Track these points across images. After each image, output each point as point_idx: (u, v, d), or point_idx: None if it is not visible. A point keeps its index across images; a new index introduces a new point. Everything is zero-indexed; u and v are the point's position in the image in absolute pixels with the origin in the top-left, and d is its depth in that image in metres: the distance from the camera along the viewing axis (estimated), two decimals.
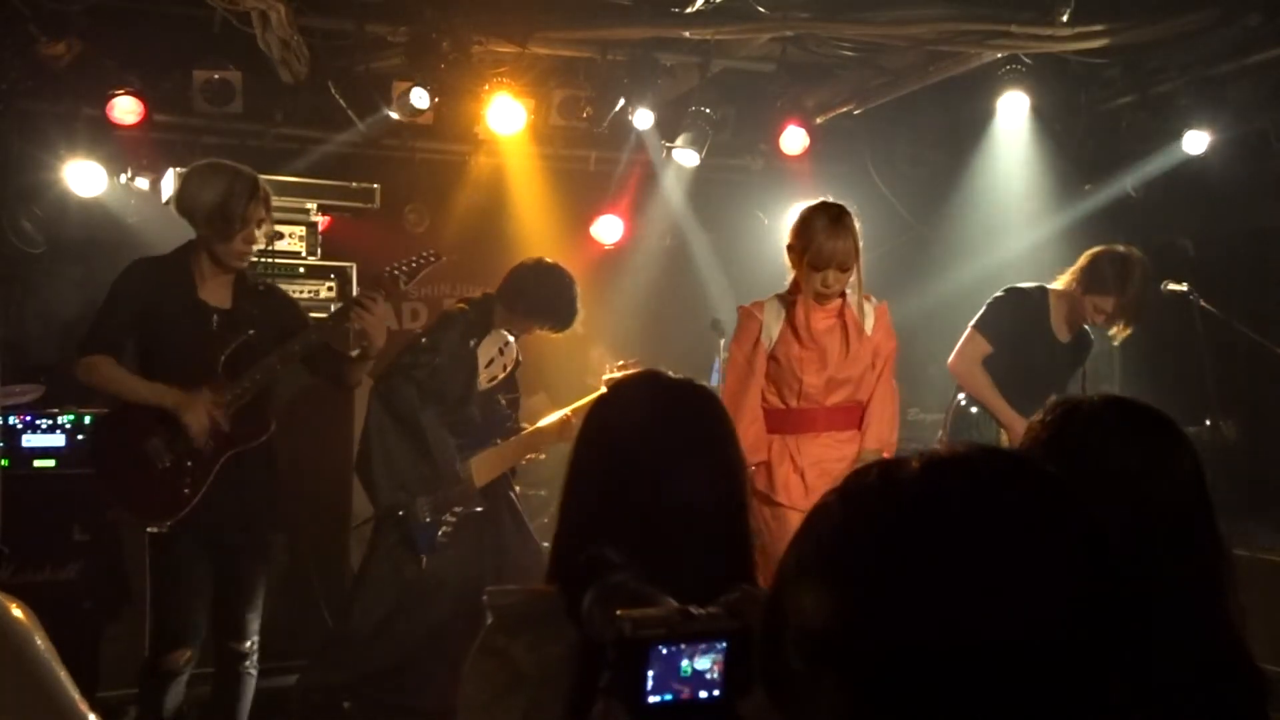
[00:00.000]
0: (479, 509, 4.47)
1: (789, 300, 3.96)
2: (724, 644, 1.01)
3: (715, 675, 1.00)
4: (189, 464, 3.63)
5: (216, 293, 3.78)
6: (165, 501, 3.60)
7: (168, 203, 5.35)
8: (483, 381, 4.47)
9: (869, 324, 4.00)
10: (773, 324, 3.94)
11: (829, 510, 0.95)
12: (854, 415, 3.99)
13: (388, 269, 3.95)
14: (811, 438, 3.92)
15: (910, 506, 0.90)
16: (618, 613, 1.02)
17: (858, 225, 3.90)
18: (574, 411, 4.42)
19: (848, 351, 3.91)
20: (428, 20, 4.95)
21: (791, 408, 3.95)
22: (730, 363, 4.11)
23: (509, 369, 4.55)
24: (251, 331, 3.76)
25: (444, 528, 4.39)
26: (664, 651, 0.99)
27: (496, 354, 4.46)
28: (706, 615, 1.04)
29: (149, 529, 3.62)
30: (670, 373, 1.84)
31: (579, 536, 1.62)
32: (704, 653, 1.01)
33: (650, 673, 0.99)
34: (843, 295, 3.93)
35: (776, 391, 3.96)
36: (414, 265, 3.99)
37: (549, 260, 4.59)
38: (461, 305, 4.65)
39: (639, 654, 0.99)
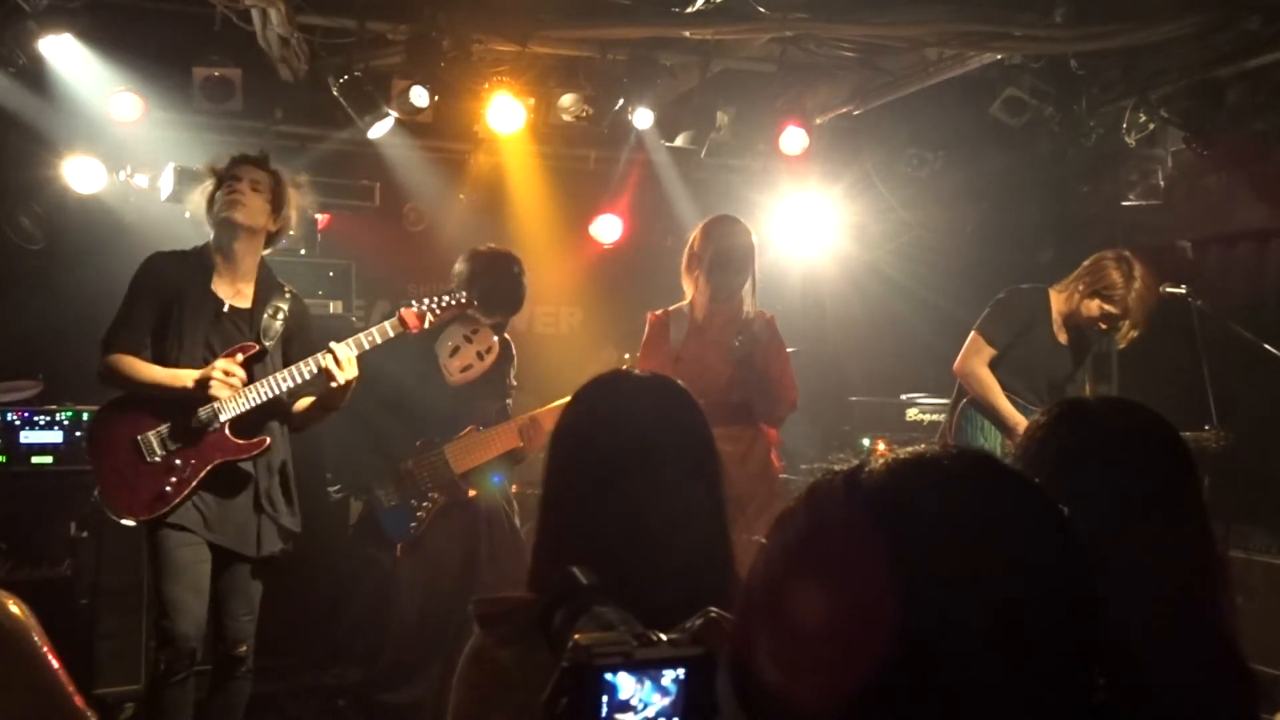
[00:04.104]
0: (465, 498, 4.41)
1: (692, 306, 4.35)
2: (683, 670, 1.00)
3: (674, 702, 1.00)
4: (178, 463, 3.61)
5: (235, 290, 3.77)
6: (144, 496, 3.58)
7: (167, 199, 5.36)
8: (454, 372, 4.42)
9: (760, 332, 4.31)
10: (678, 327, 4.31)
11: (795, 517, 0.94)
12: (749, 412, 4.30)
13: (417, 305, 3.93)
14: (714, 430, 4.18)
15: (876, 507, 0.90)
16: (574, 637, 1.01)
17: (755, 238, 4.31)
18: (543, 413, 4.36)
19: (741, 353, 4.19)
20: (428, 19, 4.95)
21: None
22: (642, 365, 4.35)
23: (486, 358, 4.48)
24: (268, 343, 3.76)
25: (419, 513, 4.33)
26: (619, 678, 0.98)
27: (462, 342, 4.42)
28: (666, 642, 1.02)
29: (122, 521, 3.60)
30: (638, 371, 1.81)
31: (559, 549, 1.61)
32: (662, 679, 1.00)
33: (605, 699, 0.98)
34: (740, 302, 4.32)
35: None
36: (444, 305, 4.00)
37: (493, 247, 4.56)
38: None
39: (592, 680, 0.98)
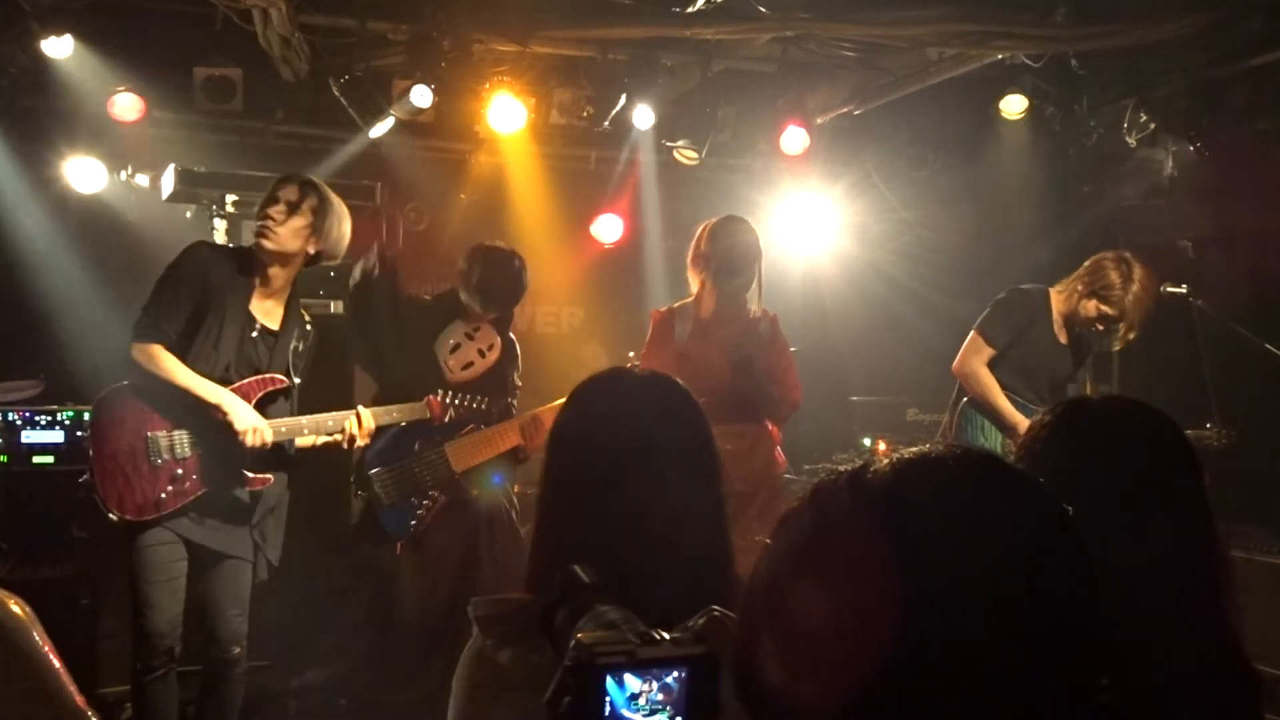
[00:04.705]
0: (466, 497, 4.41)
1: (696, 304, 4.36)
2: (686, 670, 1.00)
3: (677, 702, 0.99)
4: (179, 473, 3.58)
5: (266, 309, 3.76)
6: (137, 497, 3.54)
7: (168, 199, 5.36)
8: (454, 369, 4.42)
9: (764, 331, 4.35)
10: (683, 324, 4.33)
11: (799, 517, 0.94)
12: (754, 409, 4.32)
13: (443, 397, 4.08)
14: (718, 426, 4.16)
15: (880, 507, 0.90)
16: (577, 636, 1.01)
17: (761, 241, 4.34)
18: (545, 412, 4.37)
19: (741, 354, 4.21)
20: (428, 19, 4.95)
21: (702, 399, 4.22)
22: (646, 363, 4.35)
23: (488, 355, 4.49)
24: (298, 380, 3.78)
25: (419, 511, 4.33)
26: (622, 677, 0.98)
27: (463, 339, 4.44)
28: (669, 641, 1.02)
29: (108, 514, 3.54)
30: (636, 369, 1.81)
31: (559, 547, 1.60)
32: (665, 679, 1.00)
33: (608, 699, 0.98)
34: (744, 301, 4.34)
35: (689, 385, 4.24)
36: (464, 406, 4.13)
37: (496, 243, 4.56)
38: (425, 298, 4.71)
39: (596, 679, 0.98)
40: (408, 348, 4.36)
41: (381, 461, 4.32)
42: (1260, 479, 4.95)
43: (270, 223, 3.64)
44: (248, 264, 3.73)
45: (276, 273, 3.73)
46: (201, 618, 3.71)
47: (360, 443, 3.88)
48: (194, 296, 3.62)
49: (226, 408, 3.56)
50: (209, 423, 3.59)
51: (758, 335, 4.32)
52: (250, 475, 3.68)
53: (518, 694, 1.49)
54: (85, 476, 3.62)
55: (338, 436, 3.84)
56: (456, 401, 4.13)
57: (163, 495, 3.55)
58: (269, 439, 3.62)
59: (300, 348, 3.82)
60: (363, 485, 4.39)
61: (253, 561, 3.75)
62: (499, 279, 4.41)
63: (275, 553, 3.83)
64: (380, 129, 5.59)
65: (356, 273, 4.33)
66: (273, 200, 3.68)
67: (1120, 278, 4.41)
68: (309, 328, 3.89)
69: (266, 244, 3.65)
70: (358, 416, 3.84)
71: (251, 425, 3.58)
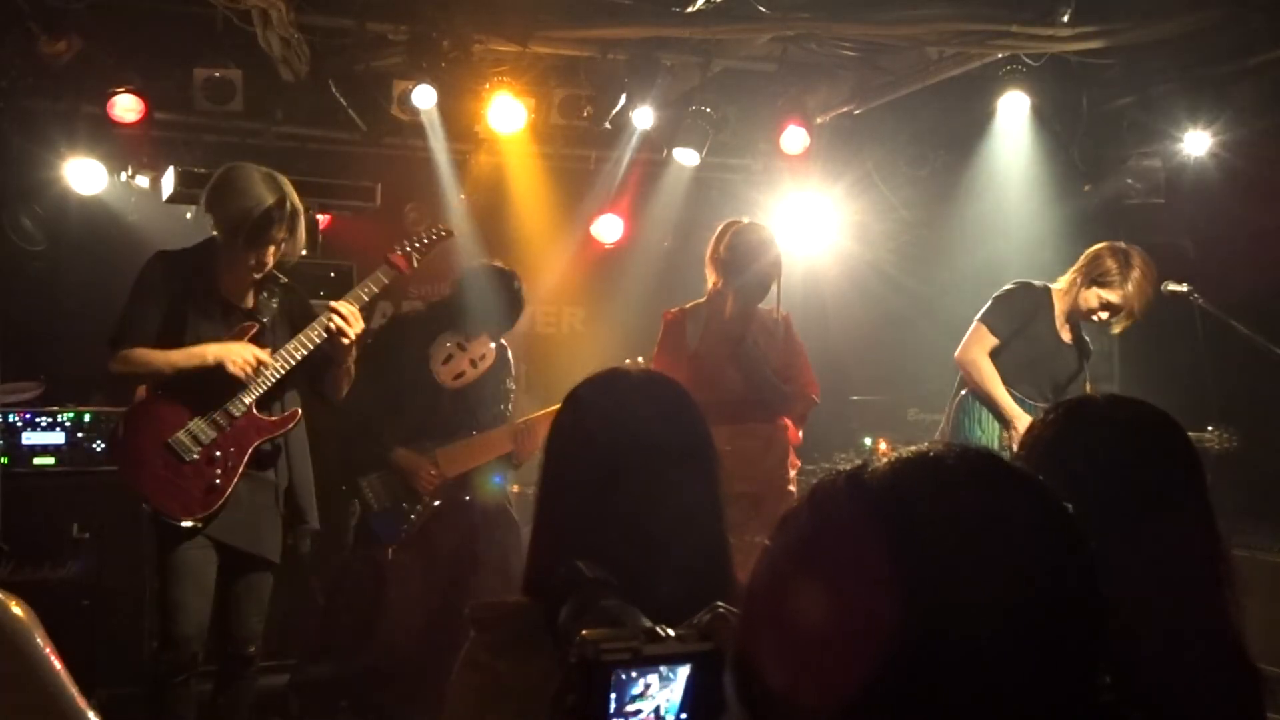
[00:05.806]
0: (460, 501, 4.42)
1: (709, 305, 4.39)
2: (691, 667, 0.99)
3: (682, 699, 0.99)
4: (218, 454, 3.62)
5: (238, 290, 3.77)
6: (196, 494, 3.58)
7: (168, 200, 5.36)
8: (446, 379, 4.44)
9: (776, 331, 4.39)
10: (695, 324, 4.37)
11: (799, 518, 0.94)
12: (768, 408, 4.34)
13: (400, 247, 4.02)
14: (730, 426, 4.14)
15: (879, 507, 0.89)
16: (582, 633, 1.01)
17: (778, 249, 4.38)
18: (538, 419, 4.38)
19: (748, 354, 4.26)
20: (428, 19, 4.95)
21: (715, 399, 4.19)
22: (658, 364, 4.36)
23: (480, 365, 4.50)
24: (265, 320, 3.76)
25: (411, 515, 4.33)
26: (628, 674, 0.98)
27: (455, 349, 4.46)
28: (674, 637, 1.02)
29: (182, 524, 3.57)
30: (633, 369, 1.80)
31: (557, 548, 1.59)
32: (670, 676, 0.99)
33: (613, 695, 0.98)
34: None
35: (701, 386, 4.22)
36: (425, 242, 4.07)
37: (494, 262, 4.65)
38: (418, 306, 4.74)
39: (601, 676, 0.97)
40: (404, 358, 4.39)
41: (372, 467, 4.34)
42: (1263, 477, 4.96)
43: (266, 265, 3.70)
44: (209, 256, 3.74)
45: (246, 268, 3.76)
46: (220, 617, 3.72)
47: (355, 330, 3.70)
48: (162, 305, 3.66)
49: (213, 358, 3.59)
50: (209, 393, 3.61)
51: (773, 336, 4.34)
52: (274, 419, 3.70)
53: (516, 698, 1.48)
54: (145, 508, 3.64)
55: (338, 344, 3.74)
56: (417, 244, 4.05)
57: (216, 480, 3.61)
58: (261, 358, 3.61)
59: (274, 298, 3.81)
60: (352, 492, 4.40)
61: (278, 562, 3.77)
62: (498, 301, 4.47)
63: (312, 515, 3.86)
64: (380, 129, 5.58)
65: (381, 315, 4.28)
66: (268, 241, 3.65)
67: (1118, 264, 4.42)
68: (283, 281, 3.87)
69: (264, 271, 3.72)
70: (332, 310, 3.72)
71: (240, 357, 3.60)
